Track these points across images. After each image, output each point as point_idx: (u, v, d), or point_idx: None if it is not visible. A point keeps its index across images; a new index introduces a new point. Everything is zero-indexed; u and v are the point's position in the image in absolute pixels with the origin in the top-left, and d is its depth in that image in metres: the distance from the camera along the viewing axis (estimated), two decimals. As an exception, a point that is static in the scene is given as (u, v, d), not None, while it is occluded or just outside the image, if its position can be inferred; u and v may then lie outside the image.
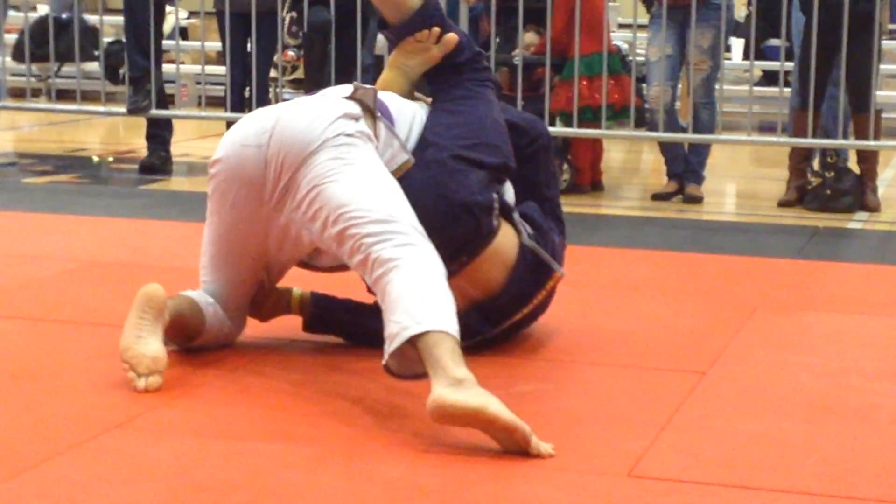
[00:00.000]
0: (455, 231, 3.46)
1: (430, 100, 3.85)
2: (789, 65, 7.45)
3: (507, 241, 3.68)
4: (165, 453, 2.89)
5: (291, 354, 3.72)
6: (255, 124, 3.53)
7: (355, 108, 3.51)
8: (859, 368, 3.69)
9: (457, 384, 2.91)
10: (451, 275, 3.31)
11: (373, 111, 3.54)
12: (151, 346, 3.31)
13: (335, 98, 3.57)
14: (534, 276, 3.70)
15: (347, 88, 3.61)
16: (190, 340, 3.59)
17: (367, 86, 3.63)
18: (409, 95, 3.84)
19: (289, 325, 3.83)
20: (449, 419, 2.92)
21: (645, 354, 3.78)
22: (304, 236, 3.46)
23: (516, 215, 3.75)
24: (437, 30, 3.82)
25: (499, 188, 3.71)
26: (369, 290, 3.55)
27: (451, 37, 3.84)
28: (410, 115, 3.69)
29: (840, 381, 3.56)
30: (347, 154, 3.39)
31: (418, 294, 3.10)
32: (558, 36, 7.16)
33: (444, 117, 3.73)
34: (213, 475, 2.77)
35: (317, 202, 3.36)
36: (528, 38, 7.34)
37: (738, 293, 4.66)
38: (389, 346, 3.06)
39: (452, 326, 3.04)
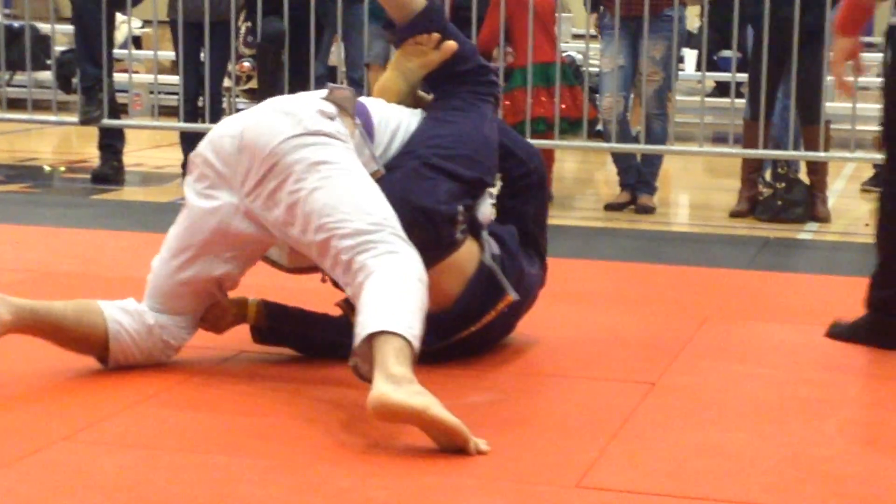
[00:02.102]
0: (412, 236, 3.43)
1: (430, 97, 3.88)
2: (741, 76, 7.50)
3: (467, 256, 3.67)
4: (112, 466, 2.87)
5: (240, 365, 3.70)
6: (233, 119, 3.60)
7: (330, 108, 3.52)
8: (808, 379, 3.71)
9: (392, 380, 2.92)
10: None
11: (350, 114, 3.55)
12: None
13: (310, 96, 3.62)
14: (486, 295, 3.69)
15: (322, 92, 3.62)
16: (88, 352, 3.53)
17: (345, 87, 3.65)
18: (408, 97, 3.84)
19: (238, 336, 3.81)
20: (389, 417, 2.93)
21: (594, 365, 3.79)
22: (275, 233, 3.46)
23: (484, 233, 3.74)
24: (436, 35, 3.83)
25: (469, 202, 3.68)
26: (338, 286, 3.55)
27: (450, 44, 3.84)
28: (395, 124, 3.69)
29: (789, 391, 3.58)
30: (329, 156, 3.40)
31: (386, 298, 3.13)
32: (483, 44, 7.17)
33: (430, 125, 3.73)
34: (161, 488, 2.75)
35: (298, 207, 3.35)
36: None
37: (688, 303, 4.69)
38: (353, 346, 3.09)
39: (409, 331, 3.05)
